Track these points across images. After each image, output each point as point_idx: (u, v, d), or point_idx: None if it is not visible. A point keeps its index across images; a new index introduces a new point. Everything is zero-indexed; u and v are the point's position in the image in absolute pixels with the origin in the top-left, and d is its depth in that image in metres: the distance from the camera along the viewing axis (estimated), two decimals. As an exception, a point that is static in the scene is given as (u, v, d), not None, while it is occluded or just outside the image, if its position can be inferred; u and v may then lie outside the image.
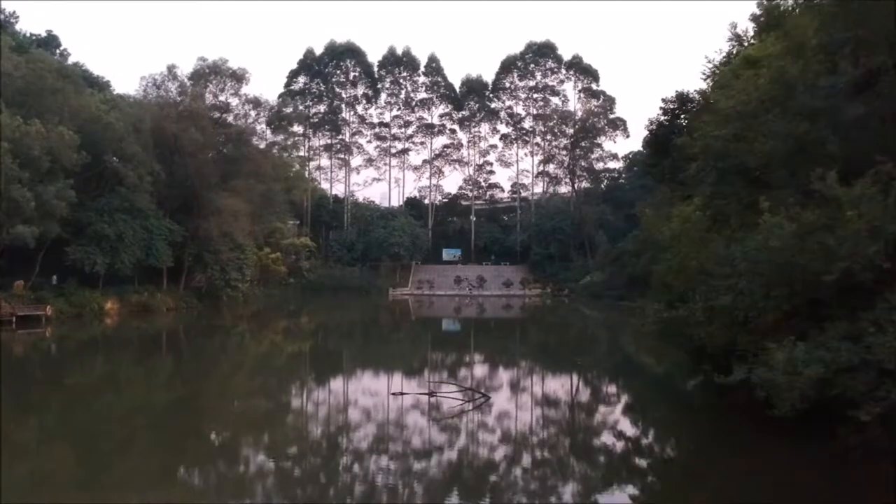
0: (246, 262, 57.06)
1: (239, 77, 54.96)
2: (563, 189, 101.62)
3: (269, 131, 64.30)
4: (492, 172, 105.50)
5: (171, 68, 53.57)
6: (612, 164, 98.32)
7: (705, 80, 25.24)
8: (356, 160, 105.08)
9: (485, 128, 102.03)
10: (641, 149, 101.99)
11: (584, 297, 79.34)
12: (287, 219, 79.81)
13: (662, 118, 29.81)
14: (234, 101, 56.37)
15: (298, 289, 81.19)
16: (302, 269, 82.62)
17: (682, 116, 28.21)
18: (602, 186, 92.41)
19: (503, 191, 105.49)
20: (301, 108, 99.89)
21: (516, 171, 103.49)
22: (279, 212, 63.83)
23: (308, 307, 75.91)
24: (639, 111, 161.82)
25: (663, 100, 29.72)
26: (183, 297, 55.11)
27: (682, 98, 28.72)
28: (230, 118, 54.79)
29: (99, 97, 47.52)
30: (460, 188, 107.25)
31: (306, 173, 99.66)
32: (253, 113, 57.33)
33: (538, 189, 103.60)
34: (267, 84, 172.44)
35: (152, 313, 51.55)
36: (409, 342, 48.65)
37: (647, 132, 32.41)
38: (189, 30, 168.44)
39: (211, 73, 55.25)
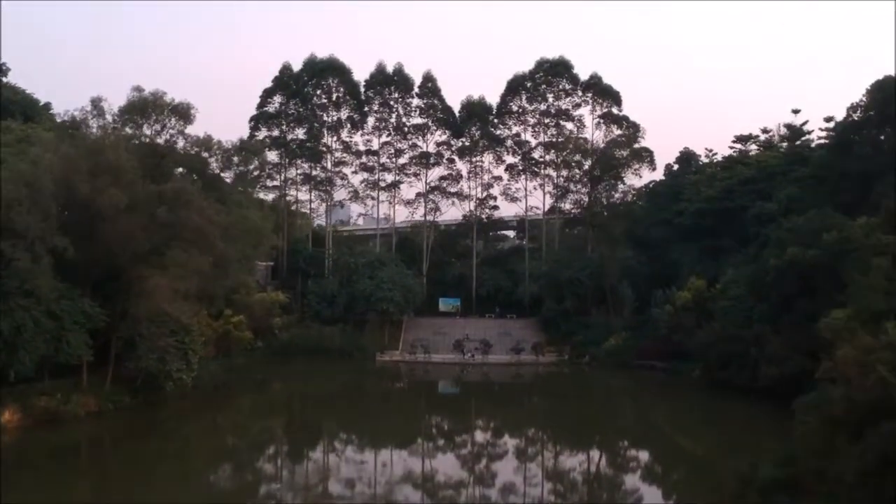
0: (192, 346, 46.43)
1: (183, 113, 44.67)
2: (579, 224, 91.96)
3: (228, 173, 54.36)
4: (496, 208, 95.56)
5: (95, 102, 43.32)
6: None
7: None
8: (339, 192, 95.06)
9: (488, 157, 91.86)
10: (663, 177, 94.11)
11: (607, 364, 69.36)
12: (254, 269, 69.46)
13: None
14: (180, 143, 46.15)
15: (268, 353, 70.63)
16: (273, 328, 72.01)
17: None
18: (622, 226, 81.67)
19: (509, 229, 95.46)
20: (276, 133, 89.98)
21: (525, 207, 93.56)
22: (237, 276, 53.08)
23: (277, 378, 66.08)
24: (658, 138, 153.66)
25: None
26: (110, 395, 44.52)
27: None
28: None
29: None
30: (459, 225, 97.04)
31: (282, 208, 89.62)
32: (204, 156, 47.07)
33: (550, 227, 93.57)
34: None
35: (66, 421, 41.09)
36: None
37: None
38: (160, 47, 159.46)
39: (150, 107, 44.87)
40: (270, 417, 53.36)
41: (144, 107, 44.50)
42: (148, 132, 44.92)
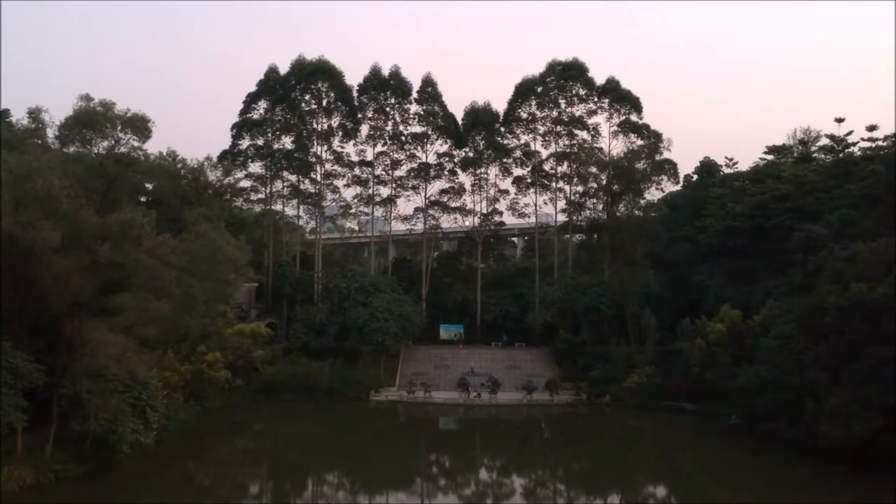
0: (151, 403, 40.08)
1: (138, 126, 38.37)
2: (594, 243, 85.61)
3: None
4: (502, 224, 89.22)
5: (34, 113, 36.96)
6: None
7: None
8: (330, 207, 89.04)
9: (493, 169, 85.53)
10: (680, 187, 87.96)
11: (630, 404, 63.12)
12: (232, 298, 63.32)
13: None
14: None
15: (249, 392, 64.45)
16: (254, 362, 65.65)
17: None
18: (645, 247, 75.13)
19: (516, 247, 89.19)
20: (261, 141, 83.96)
21: (535, 223, 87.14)
22: (206, 315, 46.84)
23: (256, 423, 60.05)
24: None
25: None
26: (52, 463, 38.13)
27: None
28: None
29: None
30: (461, 243, 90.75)
31: (267, 224, 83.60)
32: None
33: (562, 245, 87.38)
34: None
35: (-7, 501, 34.71)
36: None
37: None
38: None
39: (99, 119, 38.54)
40: (245, 470, 47.23)
41: (93, 119, 38.27)
42: (98, 150, 38.68)
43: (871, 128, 68.12)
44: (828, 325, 44.38)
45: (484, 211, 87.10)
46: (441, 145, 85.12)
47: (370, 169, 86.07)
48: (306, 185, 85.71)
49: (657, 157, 77.54)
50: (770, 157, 79.33)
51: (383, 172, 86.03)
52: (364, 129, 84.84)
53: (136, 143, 40.04)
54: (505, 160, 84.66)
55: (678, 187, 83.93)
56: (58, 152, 37.54)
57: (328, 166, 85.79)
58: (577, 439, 57.36)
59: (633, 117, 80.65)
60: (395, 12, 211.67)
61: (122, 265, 33.16)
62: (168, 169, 43.94)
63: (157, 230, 36.10)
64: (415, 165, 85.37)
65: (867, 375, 40.84)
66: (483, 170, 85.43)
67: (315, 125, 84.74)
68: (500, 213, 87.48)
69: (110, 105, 38.59)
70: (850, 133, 71.40)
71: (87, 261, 32.80)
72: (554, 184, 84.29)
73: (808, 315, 47.20)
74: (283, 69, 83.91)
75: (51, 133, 40.33)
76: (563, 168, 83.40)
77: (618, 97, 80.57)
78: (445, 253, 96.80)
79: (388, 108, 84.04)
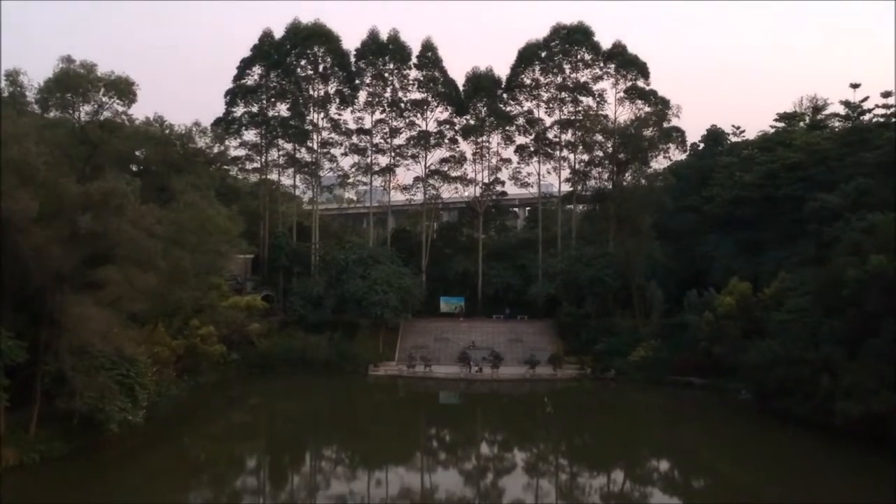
0: (139, 380, 38.64)
1: (122, 90, 36.44)
2: (598, 213, 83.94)
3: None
4: (504, 194, 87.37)
5: (11, 75, 35.03)
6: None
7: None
8: (327, 176, 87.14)
9: (495, 137, 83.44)
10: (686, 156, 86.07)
11: (636, 379, 61.84)
12: (225, 270, 61.79)
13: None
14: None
15: (245, 366, 63.24)
16: (250, 335, 64.23)
17: None
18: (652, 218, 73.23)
19: (518, 218, 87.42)
20: (255, 109, 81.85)
21: (538, 193, 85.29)
22: (198, 288, 45.27)
23: (251, 398, 58.93)
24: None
25: None
26: (36, 443, 36.78)
27: None
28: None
29: None
30: (462, 214, 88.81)
31: (263, 194, 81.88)
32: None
33: (565, 215, 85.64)
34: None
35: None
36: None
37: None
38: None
39: (82, 82, 36.61)
40: (241, 445, 46.13)
41: (75, 81, 36.36)
42: (80, 115, 36.86)
43: (886, 94, 66.18)
44: (845, 299, 42.87)
45: (485, 180, 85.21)
46: (441, 112, 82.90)
47: (368, 137, 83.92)
48: (303, 154, 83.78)
49: (665, 125, 75.54)
50: (781, 124, 77.24)
51: (382, 141, 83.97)
52: (362, 96, 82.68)
53: (120, 108, 38.46)
54: (507, 128, 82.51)
55: (685, 156, 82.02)
56: (36, 116, 35.77)
57: (325, 134, 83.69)
58: (581, 414, 56.14)
59: (640, 83, 78.22)
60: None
61: (104, 236, 31.45)
62: (154, 135, 42.08)
63: (143, 199, 34.61)
64: (414, 133, 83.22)
65: (886, 350, 39.42)
66: (485, 138, 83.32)
67: (311, 92, 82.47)
68: (502, 183, 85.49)
69: (92, 67, 36.74)
70: (865, 99, 69.39)
71: (67, 231, 31.11)
72: (558, 152, 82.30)
73: (824, 288, 45.69)
74: (279, 33, 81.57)
75: (30, 97, 38.56)
76: (568, 136, 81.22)
77: (624, 62, 78.16)
78: (446, 224, 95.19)
79: (386, 74, 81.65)
